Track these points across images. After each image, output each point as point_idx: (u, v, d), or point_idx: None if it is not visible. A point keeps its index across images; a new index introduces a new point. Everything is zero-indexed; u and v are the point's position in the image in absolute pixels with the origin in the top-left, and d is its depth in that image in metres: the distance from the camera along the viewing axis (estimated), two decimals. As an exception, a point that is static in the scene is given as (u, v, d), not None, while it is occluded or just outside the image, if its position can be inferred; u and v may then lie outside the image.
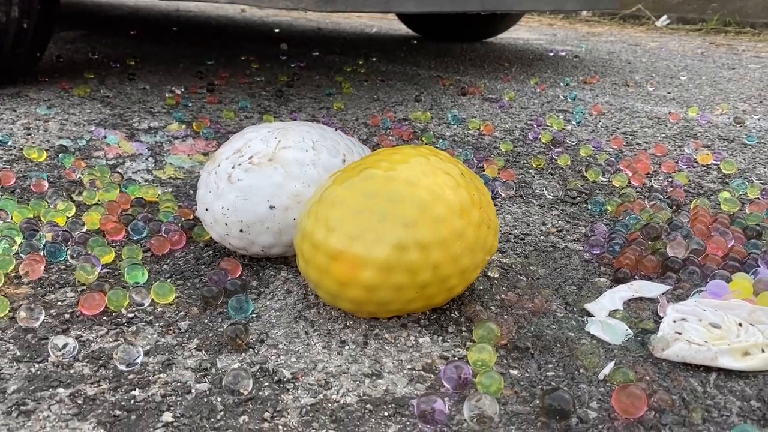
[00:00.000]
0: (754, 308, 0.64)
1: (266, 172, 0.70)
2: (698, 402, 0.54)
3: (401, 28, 3.30)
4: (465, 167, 0.67)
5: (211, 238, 0.80)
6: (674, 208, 0.95)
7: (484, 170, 1.08)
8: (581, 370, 0.58)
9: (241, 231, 0.71)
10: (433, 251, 0.59)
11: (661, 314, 0.66)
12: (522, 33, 3.40)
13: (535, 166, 1.15)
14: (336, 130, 0.80)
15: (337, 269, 0.60)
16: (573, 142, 1.31)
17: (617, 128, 1.44)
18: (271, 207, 0.70)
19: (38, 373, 0.56)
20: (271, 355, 0.59)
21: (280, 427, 0.50)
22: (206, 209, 0.73)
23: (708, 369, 0.58)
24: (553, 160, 1.18)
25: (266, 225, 0.70)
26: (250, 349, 0.60)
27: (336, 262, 0.60)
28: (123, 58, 2.09)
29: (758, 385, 0.56)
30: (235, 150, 0.73)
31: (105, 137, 1.20)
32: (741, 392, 0.55)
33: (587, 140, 1.32)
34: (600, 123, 1.48)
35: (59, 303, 0.67)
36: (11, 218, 0.83)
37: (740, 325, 0.62)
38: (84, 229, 0.82)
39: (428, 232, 0.59)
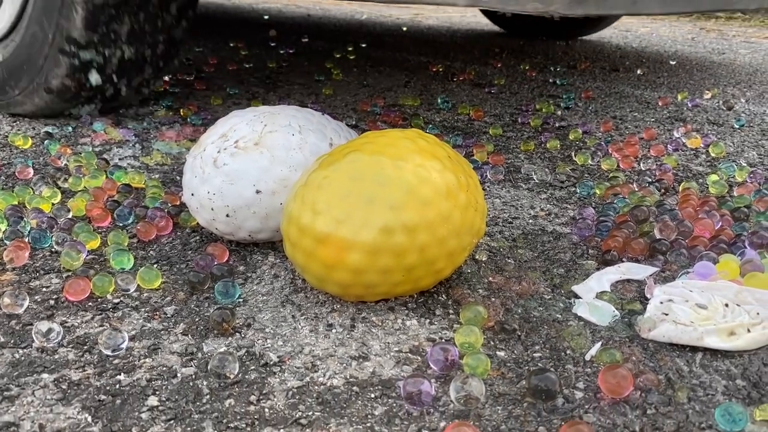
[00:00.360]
0: (740, 289, 0.64)
1: (252, 156, 0.70)
2: (684, 381, 0.54)
3: (392, 14, 3.29)
4: (452, 150, 0.67)
5: (197, 223, 0.80)
6: (663, 191, 0.95)
7: (473, 155, 1.07)
8: (568, 352, 0.58)
9: (227, 216, 0.71)
10: (419, 234, 0.59)
11: (648, 296, 0.66)
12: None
13: (524, 150, 1.15)
14: (323, 114, 0.79)
15: (323, 252, 0.59)
16: (563, 125, 1.31)
17: (607, 113, 1.44)
18: (258, 191, 0.69)
19: (22, 359, 0.55)
20: (258, 339, 0.59)
21: (267, 409, 0.50)
22: (192, 194, 0.72)
23: (694, 349, 0.58)
24: (542, 145, 1.18)
25: (253, 210, 0.70)
26: (237, 333, 0.59)
27: (323, 245, 0.59)
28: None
29: (743, 365, 0.56)
30: (220, 134, 0.73)
31: (92, 124, 1.19)
32: (726, 371, 0.55)
33: (576, 125, 1.32)
34: (590, 108, 1.48)
35: (44, 289, 0.66)
36: (-5, 205, 0.82)
37: (726, 305, 0.62)
38: (69, 216, 0.81)
39: (415, 215, 0.59)
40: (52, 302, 0.64)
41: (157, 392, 0.51)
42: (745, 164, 1.09)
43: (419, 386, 0.50)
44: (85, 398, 0.51)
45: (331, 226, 0.59)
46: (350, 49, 2.13)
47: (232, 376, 0.53)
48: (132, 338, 0.58)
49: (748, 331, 0.59)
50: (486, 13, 2.82)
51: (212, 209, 0.71)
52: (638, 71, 1.91)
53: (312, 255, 0.60)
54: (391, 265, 0.59)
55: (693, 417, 0.50)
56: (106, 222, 0.80)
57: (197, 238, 0.79)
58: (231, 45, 2.17)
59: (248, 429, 0.48)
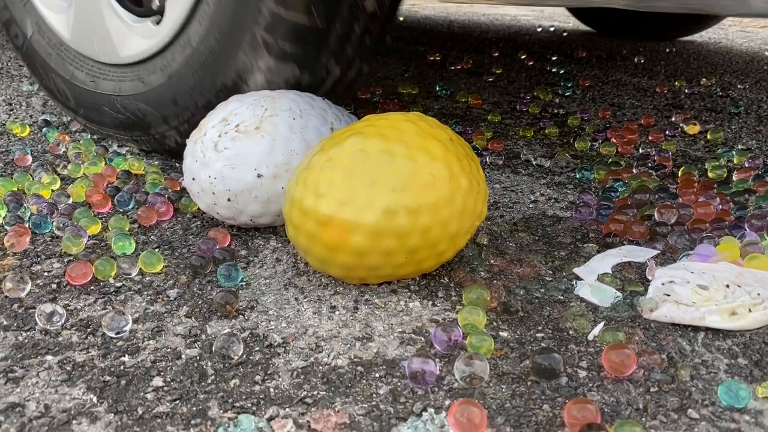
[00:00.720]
0: (741, 271, 0.65)
1: (254, 140, 0.70)
2: (686, 360, 0.54)
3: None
4: (453, 133, 0.66)
5: (198, 209, 0.80)
6: (662, 175, 0.95)
7: (472, 141, 1.07)
8: (570, 332, 0.58)
9: (228, 200, 0.70)
10: (422, 216, 0.59)
11: (649, 277, 0.66)
12: (510, 9, 3.38)
13: (522, 136, 1.15)
14: (323, 99, 0.79)
15: (326, 235, 0.59)
16: (561, 113, 1.31)
17: (605, 100, 1.44)
18: (259, 175, 0.69)
19: (26, 341, 0.55)
20: (262, 321, 0.59)
21: (272, 389, 0.50)
22: (193, 179, 0.72)
23: (696, 329, 0.58)
24: (542, 131, 1.18)
25: (254, 194, 0.70)
26: (240, 316, 0.59)
27: (325, 227, 0.59)
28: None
29: (745, 344, 0.56)
30: (221, 119, 0.73)
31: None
32: (728, 350, 0.56)
33: (575, 112, 1.32)
34: (588, 95, 1.48)
35: (46, 273, 0.66)
36: (-5, 191, 0.82)
37: (727, 286, 0.62)
38: (69, 202, 0.81)
39: (417, 197, 0.59)
40: (54, 286, 0.64)
41: (162, 373, 0.52)
42: (743, 149, 1.09)
43: (423, 365, 0.50)
44: (89, 379, 0.51)
45: (334, 209, 0.59)
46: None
47: (236, 357, 0.53)
48: (135, 321, 0.58)
49: (750, 311, 0.59)
50: (575, 12, 2.62)
51: (213, 194, 0.71)
52: (635, 59, 1.91)
53: (315, 237, 0.60)
54: (394, 247, 0.59)
55: (696, 395, 0.50)
56: (106, 208, 0.80)
57: (198, 223, 0.78)
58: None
59: (254, 408, 0.48)
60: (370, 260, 0.60)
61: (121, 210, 0.80)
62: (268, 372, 0.52)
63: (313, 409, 0.48)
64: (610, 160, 1.01)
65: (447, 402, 0.49)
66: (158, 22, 0.88)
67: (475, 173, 0.65)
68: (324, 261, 0.61)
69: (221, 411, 0.48)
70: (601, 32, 2.53)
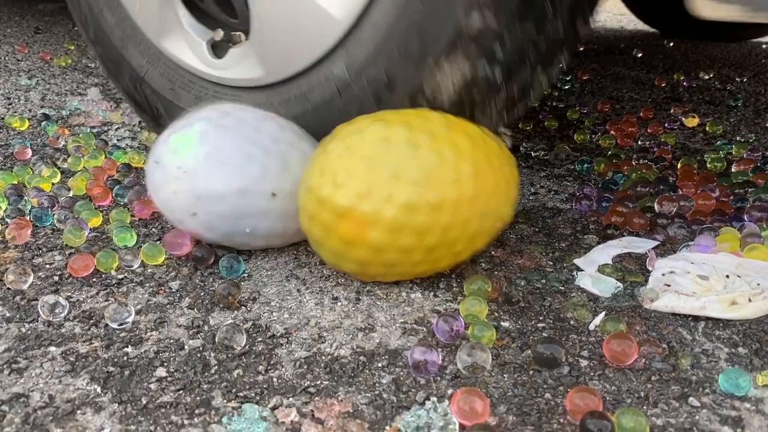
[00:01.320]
0: (741, 261, 0.65)
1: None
2: (687, 349, 0.54)
3: None
4: (487, 129, 0.63)
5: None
6: (661, 167, 0.95)
7: (472, 134, 1.07)
8: (572, 322, 0.58)
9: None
10: (443, 213, 0.56)
11: (650, 268, 0.66)
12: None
13: (522, 128, 1.15)
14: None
15: (343, 227, 0.57)
16: (560, 106, 1.31)
17: (603, 93, 1.44)
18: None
19: (29, 332, 0.55)
20: (264, 312, 0.59)
21: (275, 379, 0.50)
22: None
23: (696, 319, 0.59)
24: (541, 124, 1.18)
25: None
26: (243, 307, 0.60)
27: (343, 220, 0.57)
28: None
29: (745, 333, 0.57)
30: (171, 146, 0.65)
31: (95, 103, 1.18)
32: (729, 339, 0.56)
33: (574, 105, 1.32)
34: (587, 88, 1.48)
35: (47, 266, 0.66)
36: (-5, 185, 0.82)
37: (727, 276, 0.62)
38: (70, 195, 0.81)
39: (440, 193, 0.56)
40: (56, 278, 0.64)
41: (165, 364, 0.52)
42: (742, 141, 1.09)
43: (426, 355, 0.50)
44: (93, 370, 0.51)
45: (353, 200, 0.56)
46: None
47: (239, 348, 0.53)
48: (138, 312, 0.58)
49: (750, 300, 0.59)
50: (637, 14, 2.53)
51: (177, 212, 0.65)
52: (634, 53, 1.91)
53: (331, 229, 0.58)
54: (412, 244, 0.57)
55: (697, 383, 0.50)
56: (107, 201, 0.80)
57: (199, 215, 0.78)
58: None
59: (257, 398, 0.48)
60: (387, 257, 0.57)
61: (122, 203, 0.80)
62: (271, 362, 0.52)
63: (316, 398, 0.48)
64: (609, 152, 1.01)
65: (449, 391, 0.49)
66: None
67: (506, 173, 0.61)
68: (339, 255, 0.59)
69: (225, 401, 0.48)
70: (665, 33, 2.45)
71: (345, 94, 0.69)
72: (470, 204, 0.58)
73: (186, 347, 0.54)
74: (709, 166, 0.95)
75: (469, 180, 0.57)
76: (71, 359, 0.52)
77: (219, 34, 0.78)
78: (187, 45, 0.81)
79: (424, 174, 0.56)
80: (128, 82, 0.90)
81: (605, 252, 0.70)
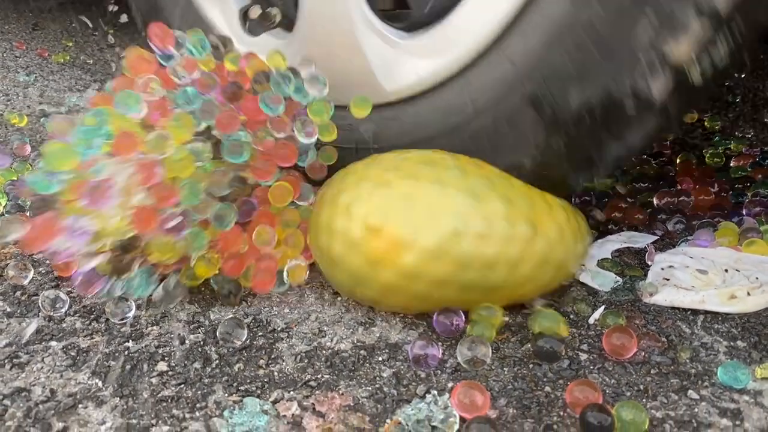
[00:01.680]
0: (739, 255, 0.65)
1: None
2: (686, 343, 0.55)
3: None
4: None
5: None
6: (660, 162, 0.95)
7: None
8: (571, 316, 0.58)
9: None
10: (490, 245, 0.51)
11: (649, 262, 0.66)
12: None
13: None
14: None
15: (373, 244, 0.50)
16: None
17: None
18: None
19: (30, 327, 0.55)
20: (264, 307, 0.59)
21: (276, 373, 0.50)
22: None
23: (695, 312, 0.59)
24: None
25: None
26: (243, 302, 0.60)
27: (374, 236, 0.50)
28: (101, 26, 2.05)
29: (744, 326, 0.57)
30: None
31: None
32: (727, 333, 0.56)
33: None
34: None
35: (47, 262, 0.66)
36: (-5, 181, 0.82)
37: (726, 271, 0.63)
38: (70, 191, 0.81)
39: (489, 223, 0.51)
40: (56, 274, 0.64)
41: (166, 358, 0.52)
42: (741, 136, 1.10)
43: (426, 349, 0.50)
44: (94, 364, 0.51)
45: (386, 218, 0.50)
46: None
47: (239, 342, 0.53)
48: (138, 307, 0.58)
49: (748, 294, 0.60)
50: None
51: None
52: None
53: (355, 246, 0.51)
54: (448, 276, 0.50)
55: (696, 376, 0.51)
56: (106, 196, 0.80)
57: (199, 211, 0.78)
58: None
59: (258, 392, 0.48)
60: (416, 287, 0.51)
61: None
62: (272, 356, 0.52)
63: (317, 391, 0.48)
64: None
65: (450, 384, 0.49)
66: None
67: (572, 224, 0.58)
68: (359, 278, 0.52)
69: (226, 394, 0.48)
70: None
71: None
72: (526, 243, 0.51)
73: (187, 342, 0.54)
74: (707, 161, 0.95)
75: (527, 218, 0.52)
76: (72, 354, 0.52)
77: (255, 11, 0.77)
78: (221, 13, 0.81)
79: (473, 196, 0.51)
80: None
81: (605, 247, 0.70)
